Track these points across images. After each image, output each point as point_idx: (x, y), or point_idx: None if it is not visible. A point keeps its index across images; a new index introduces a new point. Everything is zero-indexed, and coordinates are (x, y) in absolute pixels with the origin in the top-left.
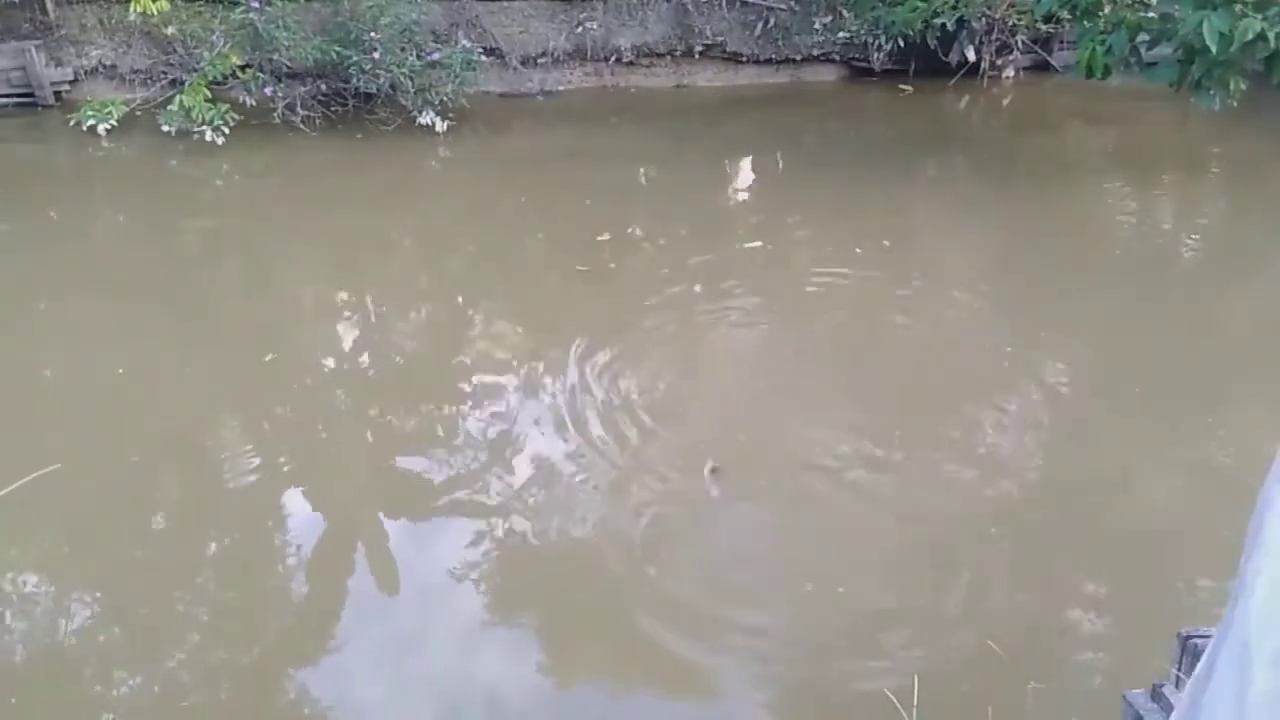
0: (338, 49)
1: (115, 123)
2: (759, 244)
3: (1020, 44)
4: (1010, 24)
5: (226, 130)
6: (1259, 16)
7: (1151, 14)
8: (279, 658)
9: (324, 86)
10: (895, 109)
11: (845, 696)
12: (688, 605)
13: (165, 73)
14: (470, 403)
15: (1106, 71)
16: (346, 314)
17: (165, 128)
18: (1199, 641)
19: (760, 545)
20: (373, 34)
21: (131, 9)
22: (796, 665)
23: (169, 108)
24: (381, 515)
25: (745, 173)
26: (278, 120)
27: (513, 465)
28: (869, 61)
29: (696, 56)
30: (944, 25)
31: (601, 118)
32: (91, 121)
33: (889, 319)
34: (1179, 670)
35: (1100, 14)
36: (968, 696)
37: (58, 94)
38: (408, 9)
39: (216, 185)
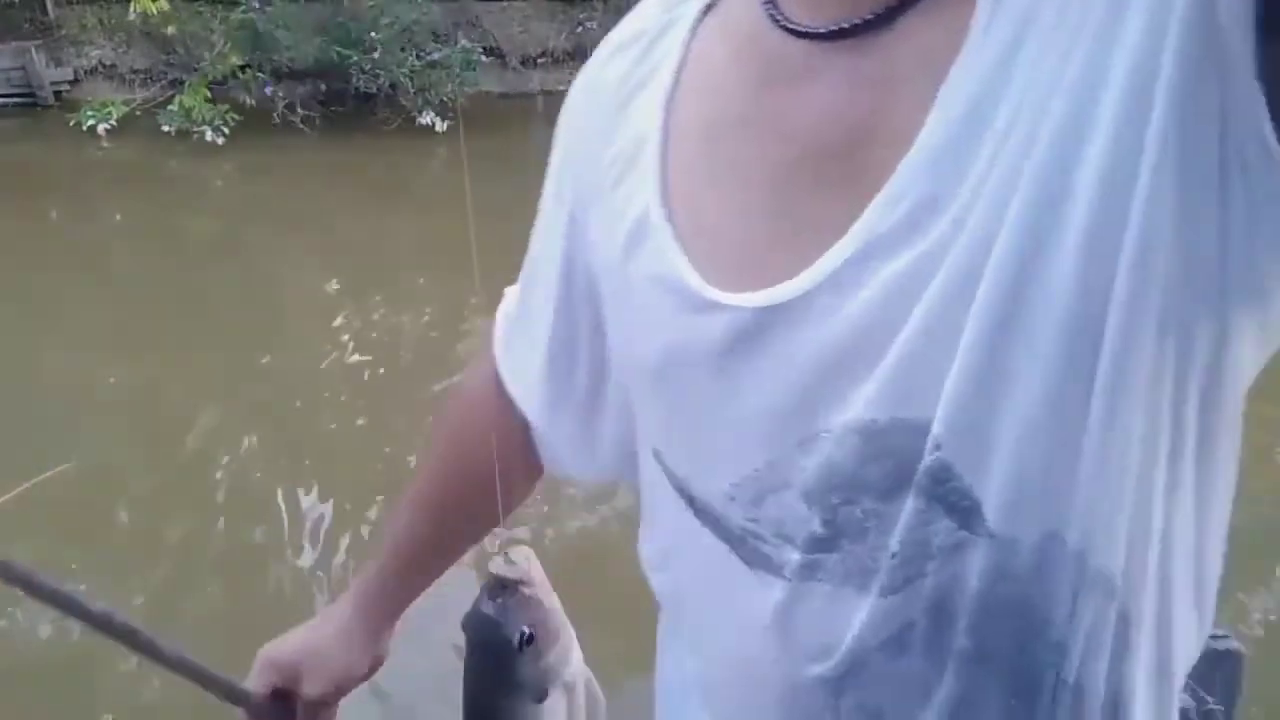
0: (338, 49)
1: (115, 123)
2: None
3: None
4: None
5: (226, 130)
6: None
7: None
8: None
9: (324, 86)
10: None
11: None
12: None
13: (165, 73)
14: None
15: None
16: (346, 314)
17: (165, 128)
18: None
19: None
20: (373, 34)
21: (131, 9)
22: None
23: (169, 108)
24: (385, 515)
25: None
26: (278, 120)
27: None
28: None
29: None
30: None
31: None
32: (91, 121)
33: None
34: None
35: None
36: None
37: (58, 94)
38: (408, 9)
39: (216, 185)
